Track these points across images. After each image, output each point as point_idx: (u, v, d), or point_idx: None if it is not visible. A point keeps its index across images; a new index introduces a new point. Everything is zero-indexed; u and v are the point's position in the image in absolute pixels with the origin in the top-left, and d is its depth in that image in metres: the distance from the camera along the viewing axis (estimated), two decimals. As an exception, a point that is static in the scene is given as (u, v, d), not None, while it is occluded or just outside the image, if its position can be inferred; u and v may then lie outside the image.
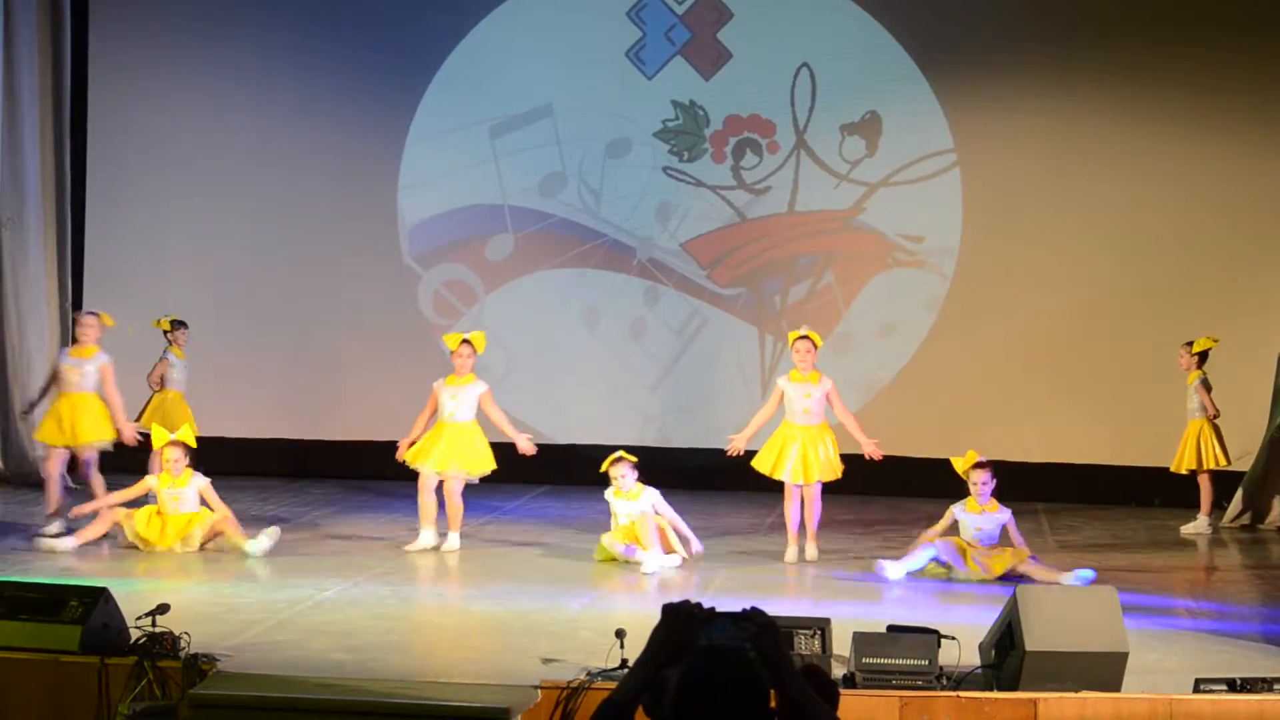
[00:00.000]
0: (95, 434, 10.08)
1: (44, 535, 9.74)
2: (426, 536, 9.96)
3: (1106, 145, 12.51)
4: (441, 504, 10.07)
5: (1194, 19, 12.35)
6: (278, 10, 13.15)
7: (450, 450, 10.02)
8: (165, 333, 11.67)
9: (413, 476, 12.70)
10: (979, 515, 9.55)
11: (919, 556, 9.44)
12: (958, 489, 12.60)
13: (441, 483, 10.10)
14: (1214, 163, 12.37)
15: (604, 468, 9.90)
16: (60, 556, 9.37)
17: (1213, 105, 12.32)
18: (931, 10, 12.71)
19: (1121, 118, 12.47)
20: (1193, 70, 12.33)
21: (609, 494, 9.86)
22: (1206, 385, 11.24)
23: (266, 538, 9.63)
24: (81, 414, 10.06)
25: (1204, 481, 11.20)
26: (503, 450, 12.95)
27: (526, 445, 10.16)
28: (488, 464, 10.14)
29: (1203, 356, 11.29)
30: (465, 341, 10.19)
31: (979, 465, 9.66)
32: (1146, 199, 12.48)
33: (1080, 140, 12.54)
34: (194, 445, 10.05)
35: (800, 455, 9.90)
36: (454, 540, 10.03)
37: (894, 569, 9.34)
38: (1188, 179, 12.41)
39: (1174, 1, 12.41)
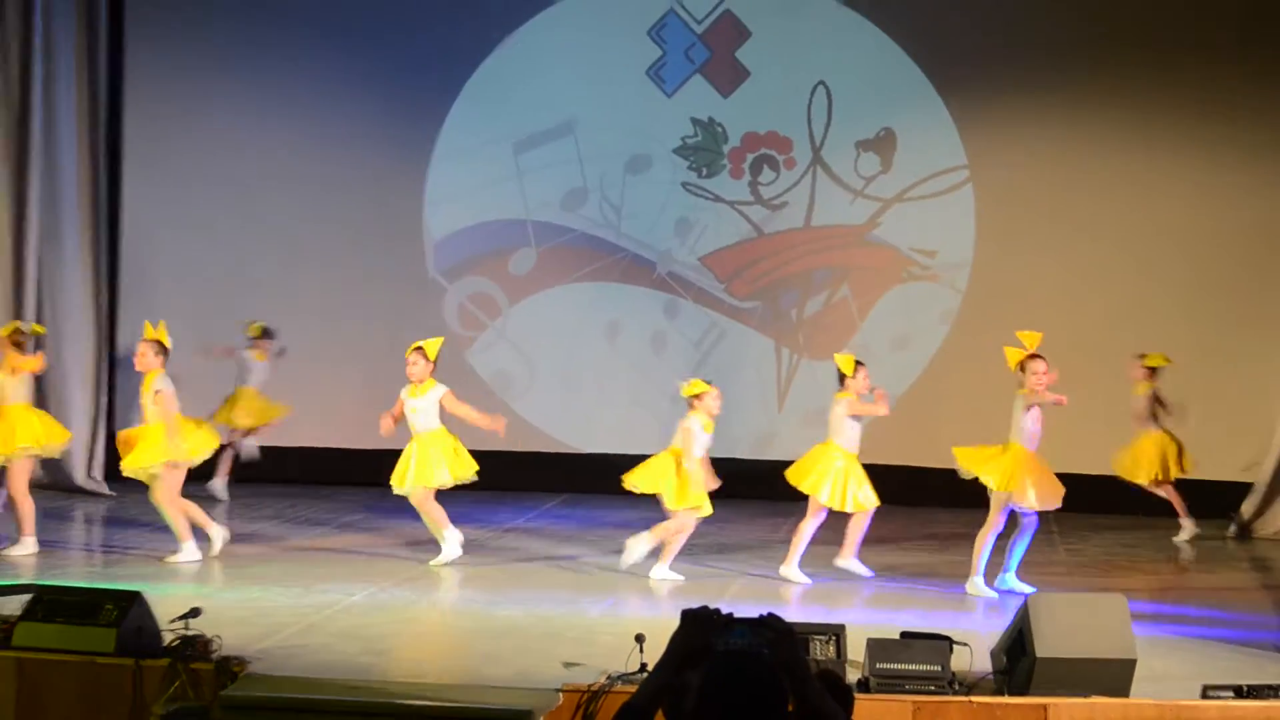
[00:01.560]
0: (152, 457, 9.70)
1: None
2: (451, 546, 9.86)
3: (1116, 162, 12.50)
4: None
5: (1202, 41, 12.32)
6: (308, 30, 13.21)
7: (423, 465, 9.82)
8: (253, 338, 12.10)
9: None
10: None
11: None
12: (972, 498, 12.60)
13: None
14: (1222, 178, 12.34)
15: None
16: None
17: (1220, 124, 12.28)
18: (945, 29, 12.72)
19: (1131, 135, 12.46)
20: (1201, 90, 12.30)
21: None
22: (1158, 398, 11.26)
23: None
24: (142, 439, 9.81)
25: (1170, 491, 11.23)
26: (525, 460, 13.01)
27: (496, 424, 10.04)
28: (467, 468, 9.95)
29: (1153, 371, 11.31)
30: (416, 349, 10.04)
31: (1034, 356, 9.55)
32: (1155, 214, 12.46)
33: (1090, 156, 12.53)
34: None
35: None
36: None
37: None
38: (1196, 195, 12.39)
39: (1183, 24, 12.38)
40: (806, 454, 9.87)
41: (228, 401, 12.14)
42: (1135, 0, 12.46)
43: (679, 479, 9.48)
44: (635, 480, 9.70)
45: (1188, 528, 11.26)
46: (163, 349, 9.75)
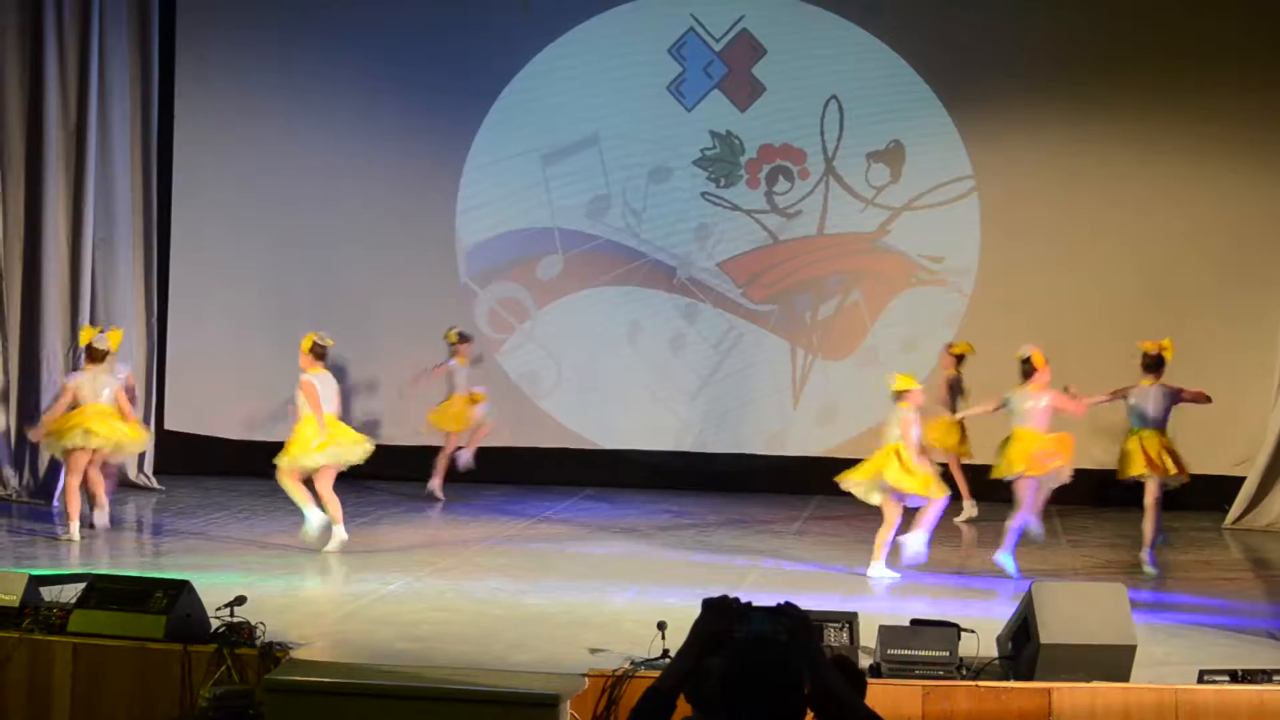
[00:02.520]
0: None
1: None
2: (315, 519, 9.67)
3: (1118, 170, 12.44)
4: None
5: (1202, 53, 12.25)
6: (347, 47, 13.23)
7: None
8: (453, 344, 12.14)
9: (471, 477, 12.76)
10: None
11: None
12: (980, 493, 12.57)
13: (311, 479, 9.88)
14: (1222, 185, 12.26)
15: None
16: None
17: (1220, 132, 12.22)
18: (952, 45, 12.68)
19: (1132, 144, 12.40)
20: (1201, 100, 12.23)
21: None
22: (956, 385, 11.55)
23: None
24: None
25: (957, 471, 11.44)
26: (552, 456, 13.01)
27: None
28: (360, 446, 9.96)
29: (960, 359, 11.60)
30: (316, 343, 10.04)
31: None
32: (1156, 221, 12.39)
33: (1091, 166, 12.48)
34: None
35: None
36: (341, 532, 9.76)
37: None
38: (1197, 202, 12.32)
39: (1182, 36, 12.32)
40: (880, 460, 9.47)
41: (440, 409, 12.17)
42: (1135, 16, 12.39)
43: (916, 471, 9.25)
44: (859, 480, 9.39)
45: (967, 509, 11.47)
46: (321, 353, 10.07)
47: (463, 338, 12.23)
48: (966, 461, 11.51)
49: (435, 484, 12.05)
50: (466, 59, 13.12)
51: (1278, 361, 11.53)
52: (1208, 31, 12.27)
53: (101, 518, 10.37)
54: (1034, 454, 9.53)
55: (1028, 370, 9.72)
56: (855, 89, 12.83)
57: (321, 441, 9.76)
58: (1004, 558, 9.44)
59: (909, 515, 9.54)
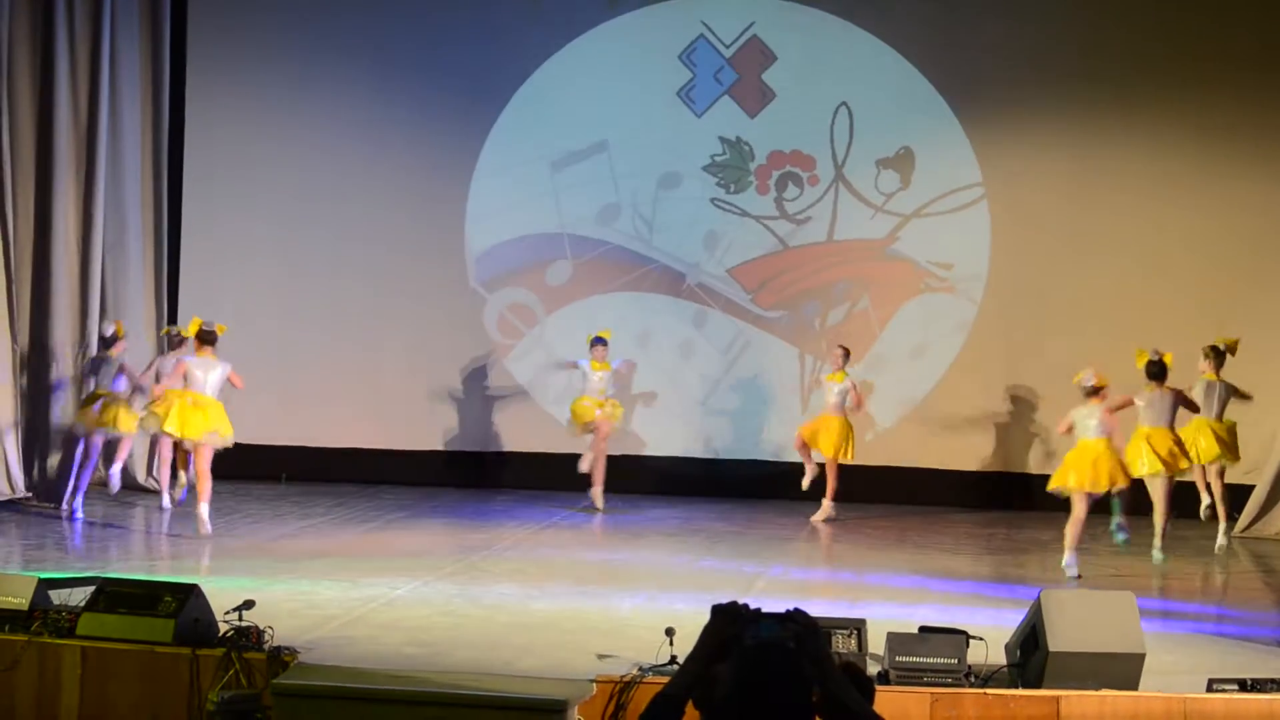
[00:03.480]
0: None
1: None
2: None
3: (1126, 177, 12.43)
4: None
5: (1213, 62, 12.25)
6: (357, 54, 13.26)
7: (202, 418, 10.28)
8: (591, 344, 12.09)
9: (479, 483, 12.77)
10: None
11: None
12: (988, 500, 12.55)
13: (190, 454, 10.47)
14: (1229, 194, 12.27)
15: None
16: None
17: (1231, 141, 12.23)
18: (961, 53, 12.68)
19: (1140, 151, 12.40)
20: (1212, 109, 12.25)
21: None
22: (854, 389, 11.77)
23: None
24: None
25: (831, 470, 11.68)
26: (560, 461, 13.01)
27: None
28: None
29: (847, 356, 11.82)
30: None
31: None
32: (1165, 227, 12.39)
33: (1100, 173, 12.48)
34: None
35: None
36: (205, 510, 10.26)
37: None
38: (1208, 210, 12.31)
39: (1193, 45, 12.32)
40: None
41: (572, 410, 12.13)
42: (1142, 24, 12.40)
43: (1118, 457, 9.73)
44: (1076, 478, 9.68)
45: (825, 508, 11.64)
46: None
47: (599, 341, 12.04)
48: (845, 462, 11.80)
49: (595, 493, 12.03)
50: (476, 65, 13.14)
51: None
52: (1220, 40, 12.27)
53: (177, 495, 11.33)
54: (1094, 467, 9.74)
55: (1091, 391, 9.86)
56: (865, 96, 12.83)
57: (172, 413, 10.27)
58: (1155, 553, 9.98)
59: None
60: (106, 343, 11.24)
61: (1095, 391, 9.86)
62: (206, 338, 10.45)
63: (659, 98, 13.04)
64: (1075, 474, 9.70)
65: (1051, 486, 9.90)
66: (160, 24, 12.69)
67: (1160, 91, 12.32)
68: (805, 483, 11.75)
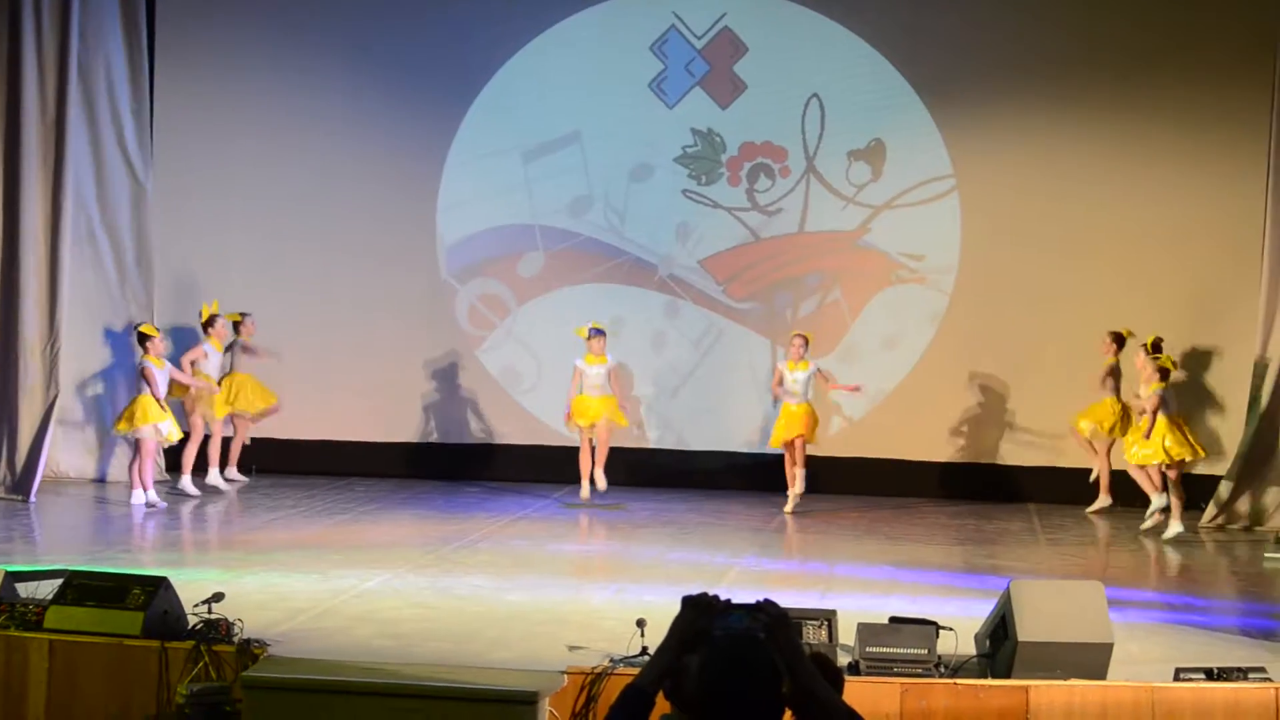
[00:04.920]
0: None
1: None
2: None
3: (1098, 170, 12.47)
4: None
5: (1183, 53, 12.29)
6: (329, 45, 13.20)
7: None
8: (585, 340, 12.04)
9: (450, 475, 12.78)
10: None
11: None
12: (959, 491, 12.61)
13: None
14: (1197, 188, 12.31)
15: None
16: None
17: (1201, 133, 12.26)
18: (932, 45, 12.70)
19: (1113, 144, 12.43)
20: (1182, 100, 12.28)
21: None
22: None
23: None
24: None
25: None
26: (532, 453, 13.01)
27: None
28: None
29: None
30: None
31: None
32: (1135, 219, 12.44)
33: (1070, 165, 12.52)
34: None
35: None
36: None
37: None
38: (1178, 202, 12.35)
39: (1163, 36, 12.37)
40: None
41: (574, 410, 12.01)
42: (1116, 15, 12.43)
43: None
44: (1153, 454, 10.81)
45: (795, 496, 11.70)
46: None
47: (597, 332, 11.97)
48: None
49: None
50: (447, 56, 13.10)
51: (1255, 363, 11.56)
52: (1189, 31, 12.31)
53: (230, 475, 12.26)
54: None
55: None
56: (836, 87, 12.85)
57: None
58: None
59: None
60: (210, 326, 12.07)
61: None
62: (214, 326, 12.04)
63: (630, 89, 13.03)
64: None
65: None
66: (133, 16, 12.57)
67: (1133, 82, 12.36)
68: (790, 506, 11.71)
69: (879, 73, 12.73)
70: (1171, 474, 10.88)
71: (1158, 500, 11.02)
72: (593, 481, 11.76)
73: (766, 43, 12.90)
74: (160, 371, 11.34)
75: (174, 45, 13.14)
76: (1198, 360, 12.27)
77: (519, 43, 13.07)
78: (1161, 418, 10.90)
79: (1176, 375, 11.37)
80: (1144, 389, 11.11)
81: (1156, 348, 11.30)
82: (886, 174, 12.82)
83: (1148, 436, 10.90)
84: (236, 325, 12.24)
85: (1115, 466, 11.75)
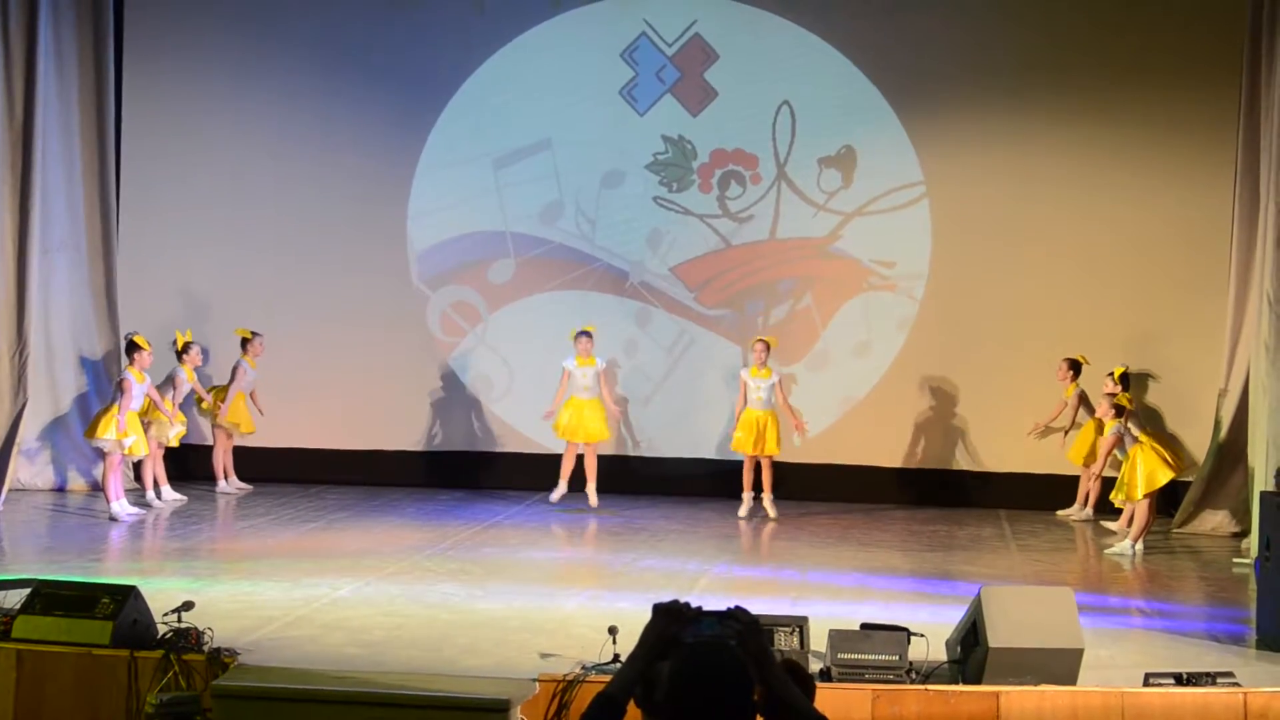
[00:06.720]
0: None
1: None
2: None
3: (1067, 177, 12.54)
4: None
5: (1150, 62, 12.38)
6: (298, 51, 13.17)
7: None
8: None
9: (422, 482, 12.75)
10: None
11: None
12: (930, 498, 12.66)
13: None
14: (1165, 195, 12.40)
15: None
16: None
17: (1169, 140, 12.35)
18: (903, 53, 12.75)
19: (1082, 151, 12.50)
20: (1150, 108, 12.37)
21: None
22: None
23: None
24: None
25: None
26: (503, 460, 12.99)
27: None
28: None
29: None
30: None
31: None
32: (1104, 227, 12.51)
33: (1039, 173, 12.58)
34: None
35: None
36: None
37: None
38: (1147, 209, 12.43)
39: (1131, 45, 12.44)
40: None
41: (559, 425, 12.11)
42: (1086, 24, 12.50)
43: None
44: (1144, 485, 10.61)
45: (769, 502, 11.73)
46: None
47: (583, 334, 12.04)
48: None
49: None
50: (418, 62, 13.09)
51: (1224, 369, 11.63)
52: (1156, 40, 12.40)
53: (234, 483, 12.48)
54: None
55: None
56: (807, 94, 12.89)
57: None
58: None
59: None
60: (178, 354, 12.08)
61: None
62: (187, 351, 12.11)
63: (601, 96, 13.04)
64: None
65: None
66: (101, 20, 12.51)
67: (1102, 89, 12.43)
68: (744, 510, 11.80)
69: (849, 79, 12.78)
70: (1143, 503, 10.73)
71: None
72: (583, 495, 11.89)
73: (737, 50, 12.93)
74: (139, 386, 11.21)
75: (143, 53, 13.09)
76: (1168, 368, 12.34)
77: (490, 49, 13.07)
78: (1134, 450, 10.66)
79: (1130, 410, 11.14)
80: (1105, 423, 10.97)
81: (1124, 381, 11.34)
82: (857, 181, 12.86)
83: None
84: (245, 342, 12.36)
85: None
